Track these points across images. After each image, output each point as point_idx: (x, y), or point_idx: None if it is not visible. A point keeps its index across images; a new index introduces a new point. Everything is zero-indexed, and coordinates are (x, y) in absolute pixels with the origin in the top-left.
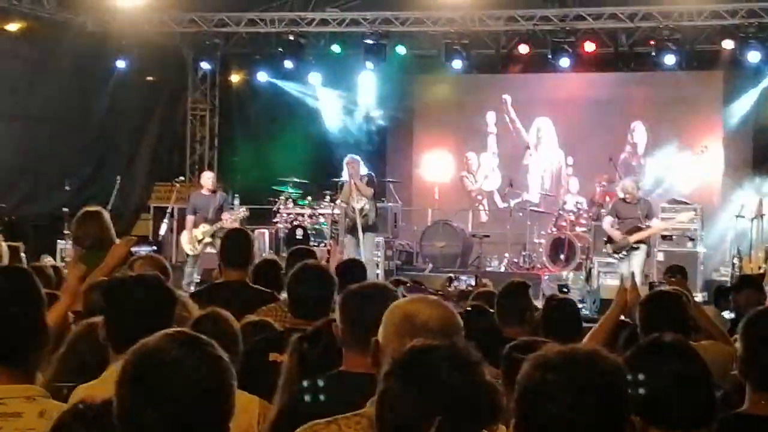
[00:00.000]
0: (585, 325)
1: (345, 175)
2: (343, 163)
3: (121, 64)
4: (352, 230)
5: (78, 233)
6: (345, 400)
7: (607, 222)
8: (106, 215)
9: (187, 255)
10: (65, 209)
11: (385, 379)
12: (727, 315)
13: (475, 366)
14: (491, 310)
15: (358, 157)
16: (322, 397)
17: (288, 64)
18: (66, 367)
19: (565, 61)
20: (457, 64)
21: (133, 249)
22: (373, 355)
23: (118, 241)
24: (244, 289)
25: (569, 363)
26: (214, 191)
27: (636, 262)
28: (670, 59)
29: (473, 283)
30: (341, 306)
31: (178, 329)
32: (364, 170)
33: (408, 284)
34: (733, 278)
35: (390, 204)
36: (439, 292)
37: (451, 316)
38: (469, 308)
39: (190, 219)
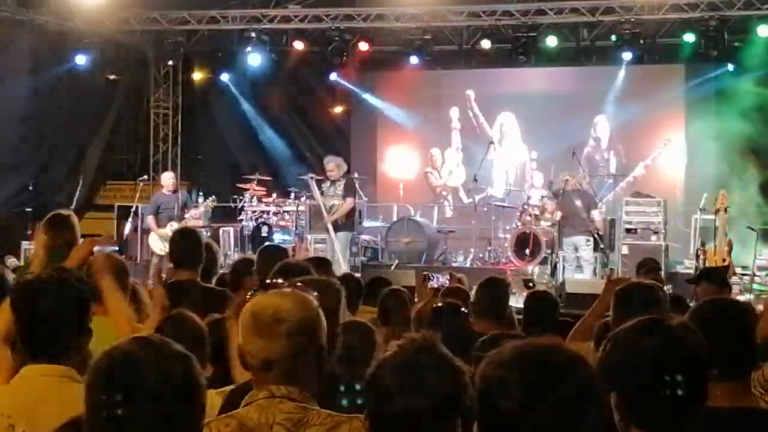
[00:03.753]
0: None
1: (334, 174)
2: (313, 161)
3: (81, 60)
4: (327, 229)
5: (50, 238)
6: None
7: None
8: (75, 218)
9: (153, 254)
10: (28, 209)
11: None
12: None
13: None
14: (463, 309)
15: (338, 158)
16: None
17: (251, 61)
18: None
19: (527, 56)
20: (420, 60)
21: (96, 248)
22: (240, 358)
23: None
24: (194, 289)
25: (522, 358)
26: (175, 190)
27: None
28: (631, 53)
29: (447, 280)
30: None
31: (144, 335)
32: (344, 168)
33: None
34: (697, 271)
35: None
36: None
37: (302, 304)
38: (440, 304)
39: (151, 219)
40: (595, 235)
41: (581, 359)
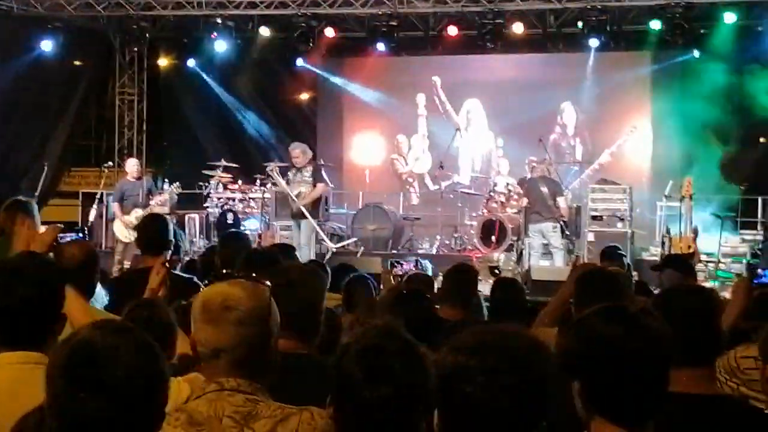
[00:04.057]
0: None
1: (299, 161)
2: (274, 149)
3: (45, 46)
4: (294, 216)
5: (7, 224)
6: (276, 381)
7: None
8: (34, 205)
9: (118, 242)
10: None
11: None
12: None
13: None
14: (427, 295)
15: (303, 145)
16: None
17: (216, 47)
18: None
19: (493, 43)
20: (386, 46)
21: (59, 235)
22: (192, 350)
23: (43, 228)
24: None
25: (482, 344)
26: (140, 177)
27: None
28: (598, 40)
29: (413, 267)
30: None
31: (106, 319)
32: (309, 154)
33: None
34: (662, 258)
35: None
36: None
37: (252, 294)
38: (404, 291)
39: (116, 206)
40: (561, 222)
41: (541, 345)
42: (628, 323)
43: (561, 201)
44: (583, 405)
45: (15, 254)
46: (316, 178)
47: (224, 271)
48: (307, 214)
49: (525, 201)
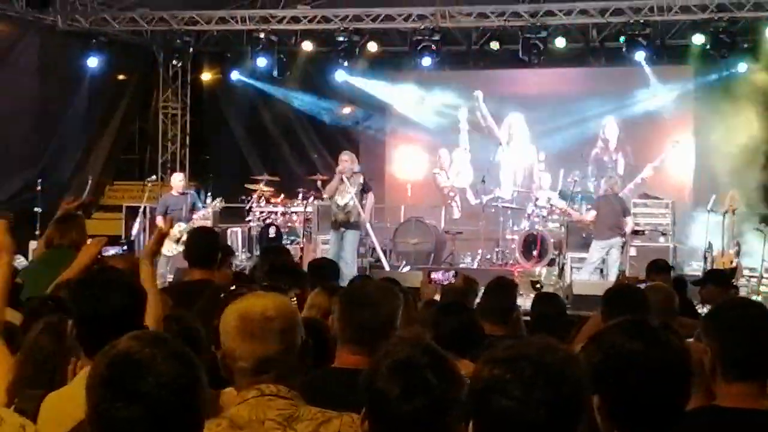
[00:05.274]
0: None
1: (347, 166)
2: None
3: (89, 60)
4: (336, 226)
5: (57, 237)
6: (336, 397)
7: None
8: (83, 220)
9: (161, 255)
10: (37, 209)
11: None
12: (700, 309)
13: None
14: (467, 307)
15: (353, 155)
16: (313, 393)
17: (259, 62)
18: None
19: (536, 57)
20: (429, 60)
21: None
22: (223, 366)
23: (88, 241)
24: (207, 289)
25: (518, 357)
26: (184, 192)
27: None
28: (640, 54)
29: (453, 278)
30: (339, 303)
31: (143, 330)
32: (357, 165)
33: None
34: (704, 273)
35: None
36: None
37: (283, 302)
38: (445, 304)
39: (159, 220)
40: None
41: (577, 359)
42: (649, 338)
43: (629, 219)
44: (603, 419)
45: (98, 269)
46: (367, 188)
47: (233, 288)
48: (371, 231)
49: (593, 214)
